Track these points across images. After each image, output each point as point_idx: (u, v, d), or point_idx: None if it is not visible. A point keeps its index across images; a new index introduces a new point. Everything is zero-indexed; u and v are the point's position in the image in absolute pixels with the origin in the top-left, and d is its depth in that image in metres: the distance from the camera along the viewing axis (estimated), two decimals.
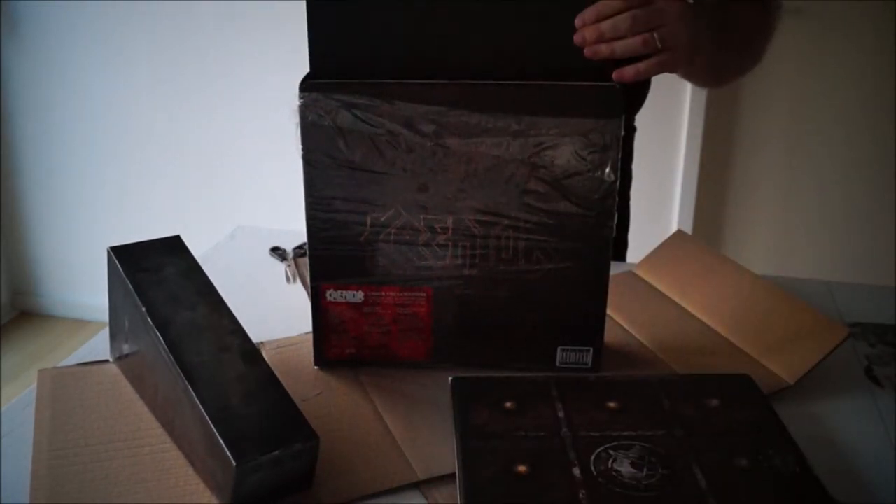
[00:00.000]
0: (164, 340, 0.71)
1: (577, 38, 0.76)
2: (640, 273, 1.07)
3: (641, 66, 0.78)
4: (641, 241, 1.28)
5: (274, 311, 0.97)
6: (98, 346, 0.89)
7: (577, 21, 0.76)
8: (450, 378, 0.79)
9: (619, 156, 0.76)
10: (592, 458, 0.68)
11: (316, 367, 0.86)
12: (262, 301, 1.01)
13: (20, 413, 0.78)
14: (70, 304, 2.83)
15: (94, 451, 0.72)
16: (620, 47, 0.76)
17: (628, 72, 0.78)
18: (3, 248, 2.81)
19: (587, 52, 0.76)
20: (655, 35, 0.77)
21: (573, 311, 0.82)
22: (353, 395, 0.81)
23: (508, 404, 0.75)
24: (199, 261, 0.81)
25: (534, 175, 0.77)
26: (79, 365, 0.85)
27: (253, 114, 2.43)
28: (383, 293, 0.82)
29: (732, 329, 0.92)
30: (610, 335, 0.87)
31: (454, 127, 0.76)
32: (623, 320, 0.95)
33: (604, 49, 0.75)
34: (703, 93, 2.15)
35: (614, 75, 0.77)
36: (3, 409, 0.79)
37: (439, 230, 0.80)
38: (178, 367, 0.69)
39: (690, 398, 0.76)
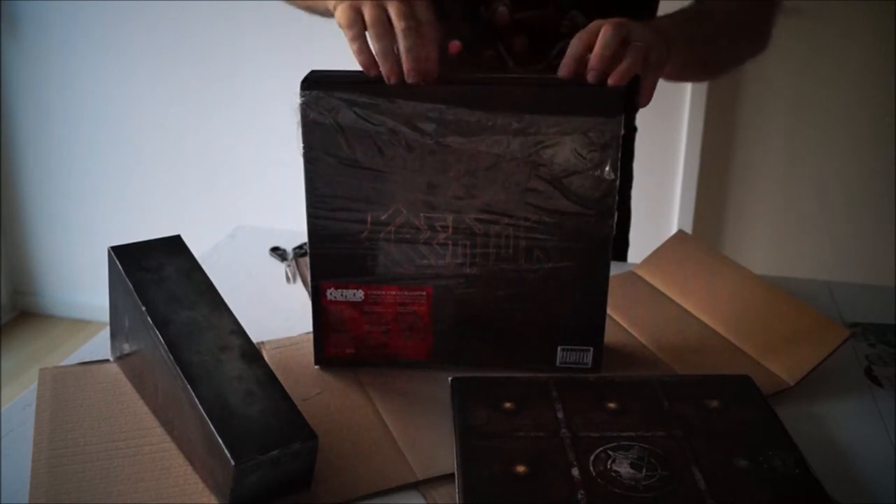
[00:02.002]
0: (164, 340, 0.71)
1: (591, 77, 0.76)
2: (640, 273, 1.07)
3: (647, 80, 0.80)
4: (641, 241, 1.28)
5: (274, 311, 0.97)
6: (98, 345, 0.89)
7: (565, 69, 0.77)
8: (450, 378, 0.79)
9: (619, 154, 0.76)
10: (591, 458, 0.68)
11: (316, 367, 0.86)
12: (262, 301, 1.01)
13: (20, 413, 0.78)
14: (70, 304, 2.83)
15: (93, 450, 0.72)
16: (631, 53, 0.76)
17: (649, 89, 0.80)
18: (3, 248, 2.81)
19: (612, 80, 0.76)
20: (634, 34, 0.78)
21: (573, 310, 0.82)
22: (353, 394, 0.81)
23: (508, 404, 0.75)
24: (199, 261, 0.81)
25: (534, 174, 0.77)
26: (79, 364, 0.85)
27: (253, 114, 2.43)
28: (383, 292, 0.82)
29: (733, 329, 0.92)
30: (610, 335, 0.87)
31: (455, 125, 0.76)
32: (623, 320, 0.95)
33: (625, 66, 0.76)
34: (703, 93, 2.15)
35: (641, 103, 0.80)
36: (3, 409, 0.79)
37: (440, 229, 0.80)
38: (177, 367, 0.69)
39: (690, 399, 0.76)
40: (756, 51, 1.06)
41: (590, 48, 0.77)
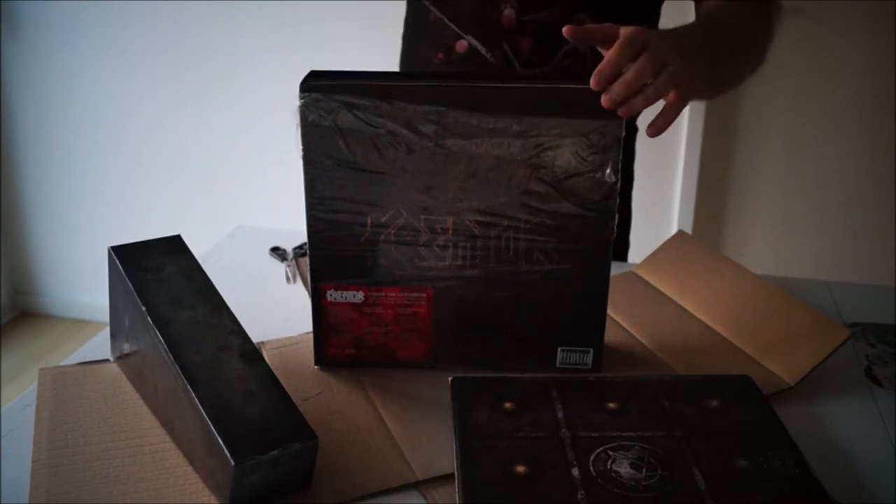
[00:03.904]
0: (164, 340, 0.71)
1: (605, 102, 0.73)
2: (640, 273, 1.07)
3: (668, 111, 0.78)
4: (641, 241, 1.28)
5: (274, 311, 0.97)
6: (98, 345, 0.89)
7: (595, 81, 0.73)
8: (450, 378, 0.79)
9: (620, 157, 0.76)
10: (591, 458, 0.68)
11: (316, 367, 0.86)
12: (262, 301, 1.01)
13: (20, 413, 0.78)
14: (70, 304, 2.83)
15: (93, 449, 0.72)
16: (652, 94, 0.75)
17: (661, 123, 0.78)
18: (3, 248, 2.81)
19: (622, 111, 0.74)
20: (671, 69, 0.76)
21: (573, 311, 0.82)
22: (353, 395, 0.81)
23: (508, 404, 0.75)
24: (199, 261, 0.81)
25: (534, 176, 0.77)
26: (79, 364, 0.85)
27: (253, 114, 2.43)
28: (384, 293, 0.82)
29: (733, 330, 0.92)
30: (610, 335, 0.87)
31: (455, 127, 0.76)
32: (623, 320, 0.95)
33: (639, 103, 0.74)
34: None
35: (650, 132, 0.77)
36: (3, 409, 0.79)
37: (440, 231, 0.80)
38: (177, 367, 0.69)
39: (690, 399, 0.76)
40: (755, 69, 1.05)
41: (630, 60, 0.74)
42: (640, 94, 0.74)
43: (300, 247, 1.14)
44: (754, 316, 0.92)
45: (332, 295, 0.83)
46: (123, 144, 2.59)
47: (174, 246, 0.81)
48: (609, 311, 0.87)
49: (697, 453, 0.69)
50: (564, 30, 0.77)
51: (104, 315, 0.86)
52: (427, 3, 1.04)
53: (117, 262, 0.78)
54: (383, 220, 0.79)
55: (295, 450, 0.65)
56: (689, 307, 0.98)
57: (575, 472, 0.66)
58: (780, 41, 1.06)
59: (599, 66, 0.74)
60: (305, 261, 1.08)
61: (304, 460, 0.66)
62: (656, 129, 0.78)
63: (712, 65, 0.88)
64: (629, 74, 0.74)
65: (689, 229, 2.26)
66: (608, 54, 0.74)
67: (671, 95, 0.78)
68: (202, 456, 0.68)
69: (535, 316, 0.83)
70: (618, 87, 0.73)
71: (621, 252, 1.28)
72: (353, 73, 0.79)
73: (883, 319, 0.99)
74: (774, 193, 2.30)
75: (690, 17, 1.05)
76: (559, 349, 0.84)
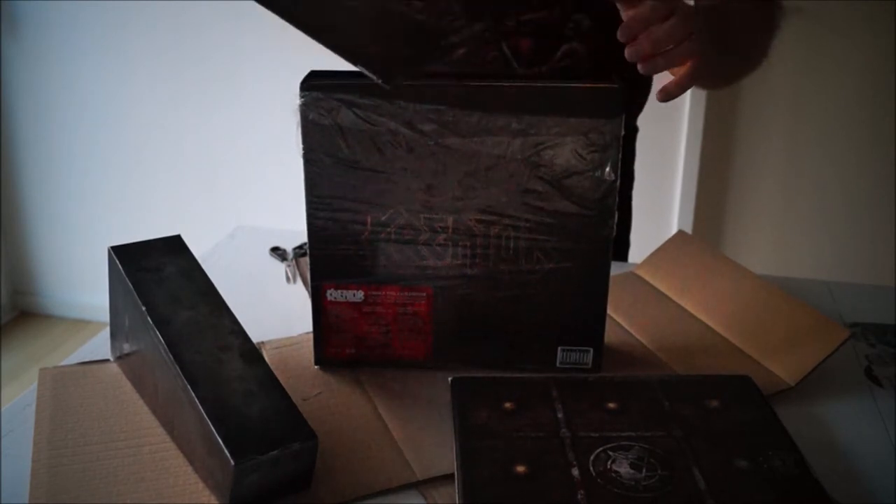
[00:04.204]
0: (164, 340, 0.71)
1: (629, 54, 0.74)
2: (640, 273, 1.07)
3: (683, 80, 0.79)
4: (641, 241, 1.28)
5: (274, 311, 0.97)
6: (98, 345, 0.89)
7: (623, 34, 0.74)
8: (450, 378, 0.79)
9: (619, 155, 0.76)
10: (591, 458, 0.68)
11: (316, 367, 0.86)
12: (262, 301, 1.01)
13: (20, 413, 0.78)
14: (70, 304, 2.83)
15: (93, 450, 0.72)
16: (675, 57, 0.76)
17: (674, 90, 0.78)
18: (3, 248, 2.81)
19: (643, 68, 0.75)
20: (695, 38, 0.77)
21: (573, 311, 0.82)
22: (353, 395, 0.81)
23: (508, 404, 0.75)
24: (199, 261, 0.81)
25: (534, 174, 0.77)
26: (79, 364, 0.85)
27: (253, 114, 2.43)
28: (384, 293, 0.82)
29: (733, 330, 0.92)
30: (610, 335, 0.87)
31: (455, 126, 0.76)
32: (623, 320, 0.95)
33: (660, 63, 0.75)
34: (703, 93, 2.15)
35: (660, 96, 0.78)
36: (3, 409, 0.79)
37: (440, 230, 0.80)
38: (177, 367, 0.69)
39: (690, 399, 0.76)
40: (759, 64, 1.05)
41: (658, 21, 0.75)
42: (661, 56, 0.75)
43: (300, 247, 1.13)
44: (754, 316, 0.92)
45: (333, 294, 0.83)
46: (123, 144, 2.59)
47: (174, 246, 0.81)
48: (609, 311, 0.87)
49: (697, 453, 0.69)
50: None
51: (104, 315, 0.86)
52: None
53: (117, 262, 0.78)
54: (383, 218, 0.79)
55: (295, 450, 0.65)
56: (689, 307, 0.98)
57: (575, 472, 0.66)
58: (781, 41, 1.06)
59: (628, 21, 0.75)
60: (305, 261, 1.08)
61: (304, 460, 0.66)
62: (667, 94, 0.79)
63: (719, 53, 0.89)
64: (660, 32, 0.75)
65: (689, 229, 2.26)
66: (639, 10, 0.75)
67: (687, 65, 0.79)
68: (202, 456, 0.68)
69: (535, 315, 0.83)
70: (645, 42, 0.74)
71: (621, 252, 1.28)
72: (353, 72, 0.79)
73: (883, 319, 0.99)
74: (774, 193, 2.30)
75: None
76: (559, 349, 0.84)
